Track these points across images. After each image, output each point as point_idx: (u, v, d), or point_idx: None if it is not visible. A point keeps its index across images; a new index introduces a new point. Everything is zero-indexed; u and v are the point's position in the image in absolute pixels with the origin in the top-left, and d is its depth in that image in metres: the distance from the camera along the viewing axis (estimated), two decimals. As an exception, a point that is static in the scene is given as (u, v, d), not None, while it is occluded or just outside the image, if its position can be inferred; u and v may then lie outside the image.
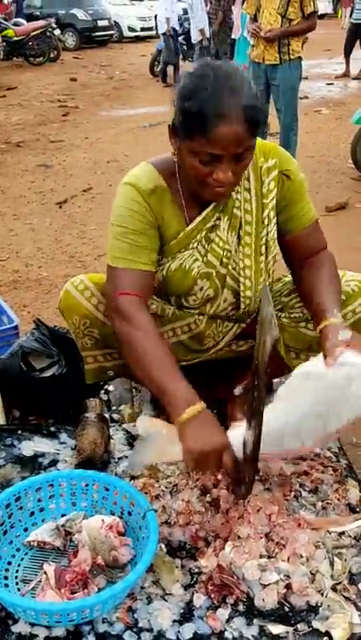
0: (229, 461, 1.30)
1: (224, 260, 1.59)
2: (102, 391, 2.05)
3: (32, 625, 1.24)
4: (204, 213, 1.54)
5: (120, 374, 1.74)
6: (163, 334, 1.63)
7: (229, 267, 1.60)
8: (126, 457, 1.73)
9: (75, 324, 1.63)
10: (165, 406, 1.35)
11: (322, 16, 20.16)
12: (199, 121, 1.32)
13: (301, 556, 1.35)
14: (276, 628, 1.23)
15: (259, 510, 1.43)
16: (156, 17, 12.18)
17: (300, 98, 8.97)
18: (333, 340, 1.34)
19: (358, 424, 2.38)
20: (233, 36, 8.44)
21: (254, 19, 4.73)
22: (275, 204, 1.57)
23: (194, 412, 1.30)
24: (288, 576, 1.31)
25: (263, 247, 1.59)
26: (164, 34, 10.68)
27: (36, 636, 1.23)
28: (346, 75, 10.70)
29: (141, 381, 1.50)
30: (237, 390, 1.74)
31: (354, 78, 10.68)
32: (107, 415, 1.87)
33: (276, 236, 1.60)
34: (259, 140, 1.56)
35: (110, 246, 1.54)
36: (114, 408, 1.98)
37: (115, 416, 1.94)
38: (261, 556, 1.35)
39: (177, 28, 10.80)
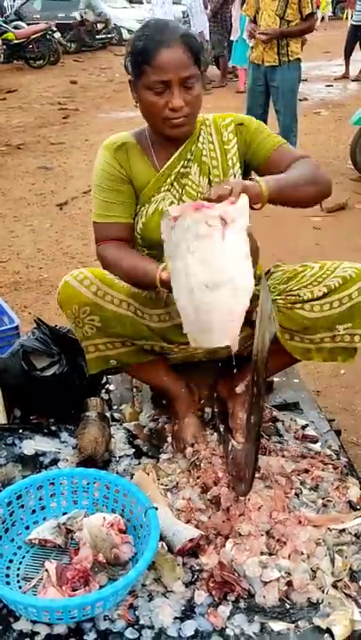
0: None
1: (199, 200, 1.64)
2: (103, 390, 2.05)
3: (33, 622, 1.24)
4: (172, 158, 1.71)
5: (123, 363, 1.74)
6: (159, 316, 1.70)
7: None
8: (127, 455, 1.74)
9: (74, 314, 1.63)
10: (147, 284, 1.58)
11: (321, 18, 20.22)
12: (144, 53, 1.55)
13: (302, 554, 1.35)
14: (278, 625, 1.23)
15: (260, 508, 1.43)
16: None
17: (300, 99, 8.98)
18: (225, 186, 1.41)
19: (358, 424, 2.39)
20: (232, 38, 8.45)
21: (253, 20, 4.74)
22: (237, 151, 1.74)
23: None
24: (289, 573, 1.32)
25: None
26: None
27: (38, 633, 1.23)
28: (345, 76, 10.71)
29: (132, 282, 1.66)
30: (239, 388, 1.75)
31: (353, 80, 10.69)
32: (107, 414, 1.87)
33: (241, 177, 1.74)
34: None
35: (93, 204, 1.75)
36: (115, 407, 1.99)
37: (116, 415, 1.94)
38: (262, 554, 1.35)
39: None
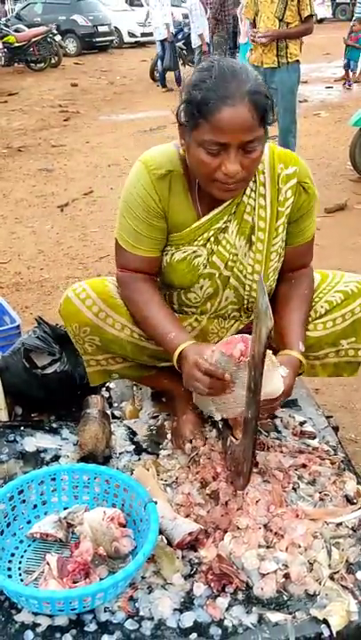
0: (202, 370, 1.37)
1: (229, 263, 1.59)
2: (104, 388, 2.07)
3: (35, 614, 1.26)
4: (213, 212, 1.52)
5: (125, 376, 1.76)
6: None
7: (235, 269, 1.60)
8: (128, 452, 1.76)
9: (74, 331, 1.62)
10: (166, 351, 1.50)
11: (321, 20, 20.27)
12: (203, 106, 1.30)
13: (300, 546, 1.37)
14: (275, 616, 1.25)
15: (257, 502, 1.45)
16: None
17: (300, 101, 9.02)
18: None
19: (356, 421, 2.41)
20: (240, 41, 8.46)
21: (253, 23, 4.78)
22: (289, 213, 1.55)
23: (178, 352, 1.45)
24: (286, 565, 1.33)
25: (273, 254, 1.58)
26: (162, 41, 10.69)
27: (39, 624, 1.25)
28: (345, 78, 10.74)
29: (148, 337, 1.61)
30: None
31: (354, 82, 10.72)
32: (108, 411, 1.89)
33: (284, 245, 1.61)
34: (278, 147, 1.58)
35: (119, 221, 1.59)
36: (115, 405, 2.01)
37: (116, 413, 1.97)
38: (260, 546, 1.37)
39: (173, 32, 10.80)
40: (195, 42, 10.22)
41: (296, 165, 1.53)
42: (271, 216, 1.53)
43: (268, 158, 1.52)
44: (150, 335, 1.57)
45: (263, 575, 1.32)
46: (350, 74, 10.61)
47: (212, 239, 1.55)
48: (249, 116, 1.30)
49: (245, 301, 1.66)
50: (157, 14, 10.67)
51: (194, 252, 1.56)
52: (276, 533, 1.39)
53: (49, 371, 1.89)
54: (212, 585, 1.31)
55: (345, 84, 10.51)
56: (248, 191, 1.52)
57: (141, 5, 18.97)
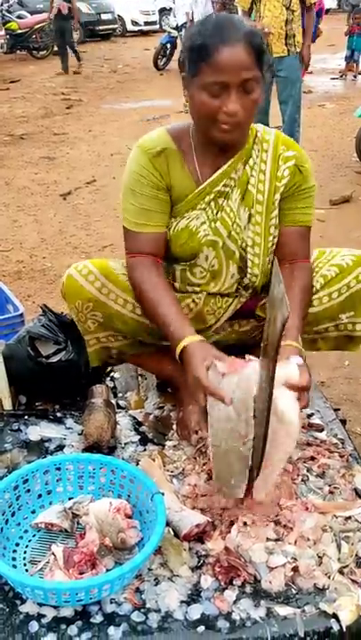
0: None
1: (233, 233, 1.61)
2: (108, 378, 2.05)
3: (40, 605, 1.24)
4: (215, 175, 1.57)
5: (125, 353, 1.74)
6: None
7: (238, 242, 1.62)
8: (133, 442, 1.74)
9: (77, 308, 1.63)
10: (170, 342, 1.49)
11: (326, 11, 20.11)
12: (203, 51, 1.40)
13: (308, 540, 1.35)
14: (284, 610, 1.23)
15: (266, 494, 1.43)
16: (160, 10, 11.98)
17: (305, 92, 8.96)
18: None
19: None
20: None
21: (248, 12, 4.71)
22: (283, 190, 1.60)
23: (188, 342, 1.42)
24: (295, 559, 1.32)
25: (272, 228, 1.62)
26: (176, 27, 10.61)
27: (44, 615, 1.23)
28: (350, 69, 10.67)
29: (155, 327, 1.60)
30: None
31: (359, 73, 10.66)
32: (113, 401, 1.87)
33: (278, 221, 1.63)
34: (281, 133, 1.65)
35: (123, 208, 1.62)
36: (120, 395, 1.99)
37: (121, 403, 1.95)
38: (268, 540, 1.35)
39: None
40: (180, 20, 10.16)
41: (297, 151, 1.61)
42: (269, 190, 1.59)
43: (272, 139, 1.61)
44: (155, 322, 1.58)
45: (271, 569, 1.30)
46: (354, 65, 10.53)
47: (212, 204, 1.59)
48: (246, 54, 1.39)
49: (247, 279, 1.67)
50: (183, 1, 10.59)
51: (196, 216, 1.59)
52: (285, 526, 1.37)
53: (54, 359, 1.87)
54: (220, 577, 1.30)
55: (342, 76, 10.41)
56: (251, 162, 1.59)
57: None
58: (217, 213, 1.59)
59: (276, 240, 1.65)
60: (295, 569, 1.31)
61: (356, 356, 2.68)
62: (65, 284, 1.63)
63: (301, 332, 1.54)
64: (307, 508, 1.40)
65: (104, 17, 16.92)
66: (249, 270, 1.64)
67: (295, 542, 1.34)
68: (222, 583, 1.29)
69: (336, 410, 1.92)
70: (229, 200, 1.59)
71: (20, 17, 13.89)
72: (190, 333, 1.45)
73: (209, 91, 1.41)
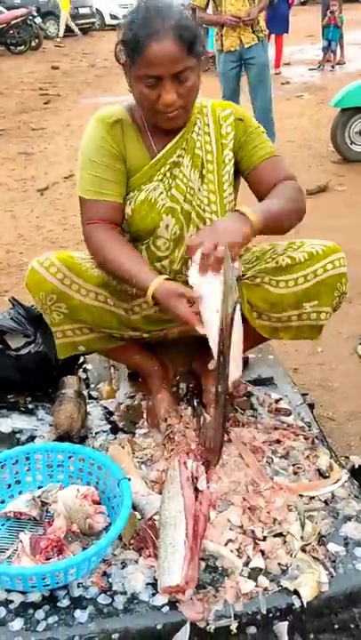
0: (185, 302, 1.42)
1: (188, 196, 1.65)
2: (81, 369, 2.07)
3: (8, 591, 1.26)
4: (166, 147, 1.62)
5: (91, 348, 1.75)
6: (133, 307, 1.68)
7: (193, 203, 1.66)
8: (104, 431, 1.76)
9: (42, 301, 1.64)
10: (138, 290, 1.55)
11: (304, 2, 20.13)
12: (134, 45, 1.44)
13: (275, 520, 1.38)
14: (246, 587, 1.26)
15: (232, 480, 1.46)
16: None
17: (282, 83, 8.99)
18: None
19: (334, 400, 2.43)
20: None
21: (205, 8, 4.69)
22: (233, 147, 1.67)
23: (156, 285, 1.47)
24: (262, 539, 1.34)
25: (225, 184, 1.67)
26: None
27: (12, 601, 1.25)
28: (328, 60, 10.70)
29: (116, 278, 1.63)
30: (211, 364, 1.76)
31: (337, 64, 10.69)
32: (85, 392, 1.89)
33: (233, 178, 1.69)
34: (219, 100, 1.73)
35: (80, 177, 1.64)
36: (92, 385, 2.01)
37: (93, 393, 1.96)
38: (233, 527, 1.37)
39: None
40: None
41: (231, 108, 1.70)
42: (217, 149, 1.66)
43: (210, 105, 1.69)
44: (121, 280, 1.61)
45: (237, 549, 1.33)
46: (331, 56, 10.55)
47: (167, 174, 1.64)
48: (175, 48, 1.42)
49: None
50: None
51: (154, 188, 1.63)
52: (250, 508, 1.40)
53: (23, 352, 1.88)
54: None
55: (320, 67, 10.45)
56: (197, 129, 1.65)
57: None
58: (172, 182, 1.65)
59: (232, 197, 1.70)
60: (261, 551, 1.33)
61: (328, 343, 2.73)
62: (28, 277, 1.64)
63: (268, 222, 1.52)
64: (281, 489, 1.43)
65: (82, 11, 16.78)
66: None
67: (260, 521, 1.37)
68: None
69: (304, 395, 1.95)
70: (181, 167, 1.65)
71: (-4, 12, 13.77)
72: (154, 277, 1.50)
73: (144, 83, 1.47)
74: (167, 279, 1.51)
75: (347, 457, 1.75)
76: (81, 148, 1.65)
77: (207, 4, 4.67)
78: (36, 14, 13.81)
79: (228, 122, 1.67)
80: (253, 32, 4.67)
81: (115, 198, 1.61)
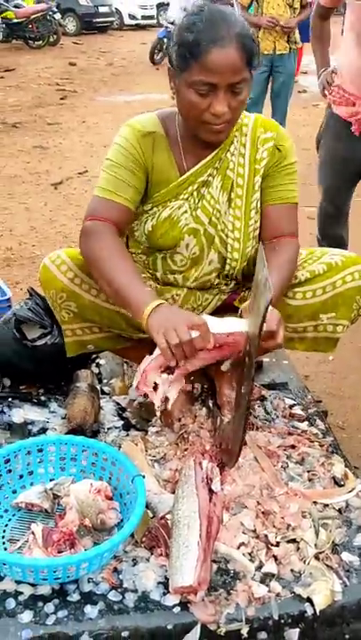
0: (203, 330, 1.33)
1: (213, 219, 1.61)
2: (94, 364, 2.05)
3: (18, 582, 1.25)
4: (198, 165, 1.57)
5: (100, 348, 1.74)
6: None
7: (218, 227, 1.62)
8: (116, 427, 1.74)
9: (52, 298, 1.63)
10: (132, 315, 1.43)
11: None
12: (194, 48, 1.37)
13: (289, 525, 1.37)
14: (259, 592, 1.25)
15: (247, 483, 1.45)
16: (158, 5, 11.91)
17: (299, 92, 8.98)
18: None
19: (344, 408, 2.41)
20: None
21: (247, 8, 4.76)
22: (263, 171, 1.61)
23: (152, 306, 1.36)
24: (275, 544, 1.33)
25: (253, 212, 1.62)
26: (173, 22, 10.54)
27: (22, 593, 1.23)
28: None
29: (109, 296, 1.56)
30: (225, 366, 1.75)
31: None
32: (98, 387, 1.88)
33: (259, 205, 1.63)
34: (262, 116, 1.64)
35: (100, 177, 1.61)
36: (105, 381, 1.99)
37: (105, 389, 1.95)
38: (245, 531, 1.36)
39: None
40: (174, 15, 10.07)
41: (274, 131, 1.61)
42: (249, 173, 1.59)
43: (251, 123, 1.61)
44: (112, 294, 1.49)
45: (250, 554, 1.32)
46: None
47: (195, 193, 1.59)
48: (237, 57, 1.37)
49: (228, 266, 1.66)
50: None
51: (179, 206, 1.59)
52: (264, 512, 1.38)
53: (39, 343, 1.86)
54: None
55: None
56: (232, 149, 1.59)
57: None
58: (198, 202, 1.59)
59: (257, 224, 1.65)
60: (274, 556, 1.32)
61: (340, 351, 2.71)
62: (40, 275, 1.65)
63: (279, 301, 1.52)
64: (296, 495, 1.42)
65: (102, 10, 16.82)
66: (229, 255, 1.64)
67: (274, 526, 1.36)
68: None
69: (318, 402, 1.94)
70: (210, 187, 1.59)
71: (16, 6, 13.78)
72: (152, 299, 1.38)
73: (197, 89, 1.40)
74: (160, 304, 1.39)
75: (356, 467, 1.74)
76: (110, 151, 1.62)
77: (250, 4, 4.74)
78: (55, 10, 13.84)
79: (265, 146, 1.59)
80: (288, 41, 4.75)
81: (124, 202, 1.56)
